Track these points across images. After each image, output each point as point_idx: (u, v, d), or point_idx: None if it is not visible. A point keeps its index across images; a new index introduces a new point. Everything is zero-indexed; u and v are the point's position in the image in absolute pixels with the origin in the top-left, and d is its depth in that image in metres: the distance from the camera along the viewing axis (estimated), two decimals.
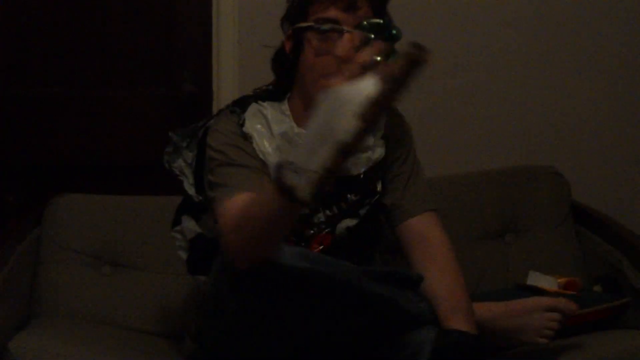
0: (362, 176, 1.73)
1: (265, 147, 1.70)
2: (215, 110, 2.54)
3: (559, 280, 2.10)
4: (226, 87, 2.51)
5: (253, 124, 1.71)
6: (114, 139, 2.58)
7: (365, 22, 1.61)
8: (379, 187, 1.76)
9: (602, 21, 2.59)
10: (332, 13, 1.62)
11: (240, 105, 1.75)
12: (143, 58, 2.57)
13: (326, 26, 1.62)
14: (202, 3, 2.53)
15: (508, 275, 2.27)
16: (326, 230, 1.72)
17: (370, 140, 1.72)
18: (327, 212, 1.72)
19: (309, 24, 1.65)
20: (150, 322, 2.11)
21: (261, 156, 1.69)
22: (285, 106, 1.74)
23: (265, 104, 1.74)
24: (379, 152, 1.74)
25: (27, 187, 2.59)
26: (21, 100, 2.59)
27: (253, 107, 1.74)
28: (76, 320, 2.07)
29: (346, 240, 1.73)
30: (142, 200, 2.26)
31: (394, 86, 1.23)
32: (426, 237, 1.72)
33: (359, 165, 1.72)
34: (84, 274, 2.15)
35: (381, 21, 1.64)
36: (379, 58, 1.33)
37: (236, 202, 1.53)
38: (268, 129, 1.71)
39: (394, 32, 1.65)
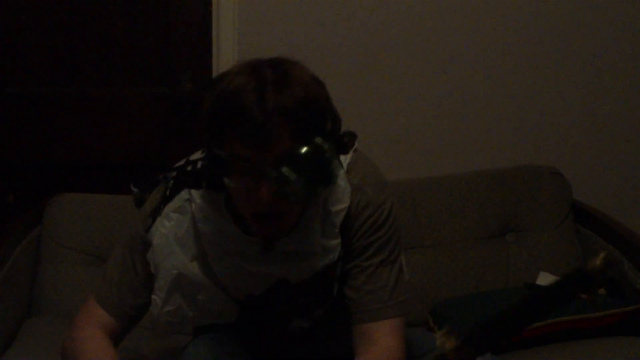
0: (309, 281, 1.50)
1: (171, 259, 1.50)
2: None
3: None
4: None
5: (161, 228, 1.50)
6: (113, 138, 2.58)
7: (284, 169, 1.30)
8: (336, 289, 1.52)
9: (602, 21, 2.59)
10: (243, 151, 1.31)
11: (173, 188, 1.52)
12: (143, 58, 2.57)
13: (237, 166, 1.34)
14: (201, 3, 2.53)
15: (509, 275, 2.27)
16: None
17: (317, 246, 1.46)
18: (278, 307, 1.54)
19: (222, 154, 1.34)
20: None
21: (152, 269, 1.51)
22: (221, 201, 1.46)
23: (198, 193, 1.48)
24: (328, 259, 1.48)
25: (27, 187, 2.60)
26: (21, 100, 2.59)
27: (180, 199, 1.50)
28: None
29: (304, 338, 1.59)
30: None
31: None
32: (377, 344, 1.48)
33: (300, 273, 1.48)
34: (84, 272, 2.15)
35: (302, 155, 1.32)
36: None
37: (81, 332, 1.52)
38: (190, 230, 1.49)
39: (326, 157, 1.34)
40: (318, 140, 1.33)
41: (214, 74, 2.53)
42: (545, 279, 2.15)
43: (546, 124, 2.63)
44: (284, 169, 1.30)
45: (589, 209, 2.37)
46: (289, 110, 1.30)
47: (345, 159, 1.50)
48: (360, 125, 2.56)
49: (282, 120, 1.29)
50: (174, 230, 1.50)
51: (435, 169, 2.49)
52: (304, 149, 1.31)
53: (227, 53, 2.50)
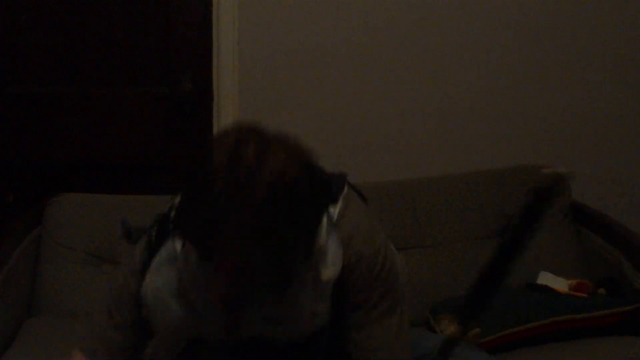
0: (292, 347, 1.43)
1: (168, 315, 1.43)
2: (215, 110, 2.55)
3: (569, 282, 2.10)
4: (226, 86, 2.51)
5: (154, 281, 1.44)
6: (113, 138, 2.58)
7: (241, 268, 1.19)
8: (324, 344, 1.45)
9: (602, 21, 2.59)
10: (202, 239, 1.23)
11: (157, 238, 1.45)
12: (143, 57, 2.56)
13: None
14: (201, 3, 2.53)
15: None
16: None
17: (307, 312, 1.39)
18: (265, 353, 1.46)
19: (189, 228, 1.26)
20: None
21: (150, 322, 1.47)
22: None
23: (180, 243, 1.39)
24: (318, 322, 1.41)
25: (27, 187, 2.59)
26: (21, 100, 2.59)
27: (166, 248, 1.43)
28: (76, 318, 2.07)
29: None
30: (142, 200, 2.26)
31: None
32: None
33: (287, 336, 1.41)
34: (84, 273, 2.15)
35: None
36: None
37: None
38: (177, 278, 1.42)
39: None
40: (283, 231, 1.18)
41: (214, 74, 2.53)
42: (545, 278, 2.14)
43: (546, 124, 2.63)
44: (241, 269, 1.18)
45: (589, 209, 2.37)
46: (247, 213, 1.17)
47: (335, 209, 1.41)
48: (361, 126, 2.59)
49: (242, 218, 1.17)
50: (167, 285, 1.42)
51: (435, 169, 2.49)
52: (267, 249, 1.18)
53: (227, 53, 2.50)
